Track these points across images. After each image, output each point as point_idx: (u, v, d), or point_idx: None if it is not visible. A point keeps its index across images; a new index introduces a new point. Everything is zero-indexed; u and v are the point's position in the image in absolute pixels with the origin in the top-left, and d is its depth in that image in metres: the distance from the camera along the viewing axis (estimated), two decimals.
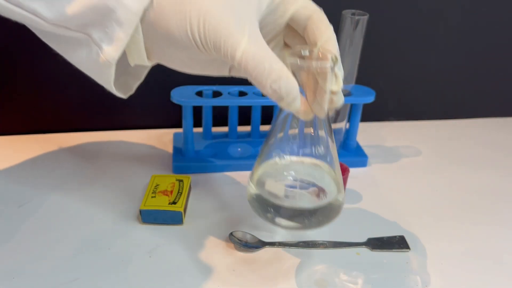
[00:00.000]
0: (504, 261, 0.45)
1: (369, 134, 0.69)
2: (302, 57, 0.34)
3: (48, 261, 0.43)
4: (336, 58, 0.33)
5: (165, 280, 0.41)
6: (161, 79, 0.56)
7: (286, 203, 0.35)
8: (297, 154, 0.37)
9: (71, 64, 0.38)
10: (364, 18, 0.52)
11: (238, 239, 0.46)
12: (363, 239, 0.47)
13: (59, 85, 0.63)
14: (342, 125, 0.60)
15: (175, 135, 0.63)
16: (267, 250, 0.45)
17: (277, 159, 0.37)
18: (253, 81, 0.32)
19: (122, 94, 0.41)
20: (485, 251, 0.47)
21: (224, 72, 0.39)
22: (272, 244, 0.45)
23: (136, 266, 0.43)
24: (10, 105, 0.64)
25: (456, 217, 0.52)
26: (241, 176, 0.57)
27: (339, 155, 0.49)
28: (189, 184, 0.52)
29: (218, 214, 0.50)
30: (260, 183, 0.37)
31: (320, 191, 0.37)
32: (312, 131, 0.36)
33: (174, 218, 0.48)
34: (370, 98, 0.57)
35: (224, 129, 0.66)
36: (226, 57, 0.32)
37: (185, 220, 0.49)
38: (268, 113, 0.63)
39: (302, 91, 0.34)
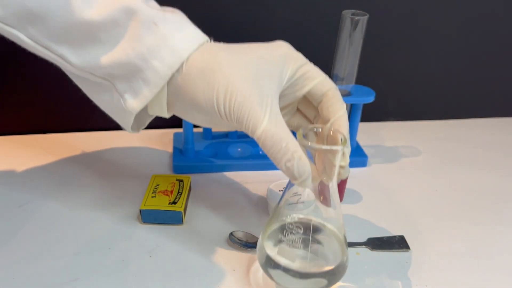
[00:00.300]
0: (504, 261, 0.45)
1: (369, 134, 0.69)
2: (314, 132, 0.37)
3: (48, 261, 0.43)
4: (345, 140, 0.34)
5: (165, 280, 0.41)
6: None
7: (295, 267, 0.36)
8: (307, 215, 0.38)
9: None
10: (364, 18, 0.52)
11: (238, 239, 0.46)
12: (363, 239, 0.47)
13: (59, 85, 0.63)
14: None
15: (175, 135, 0.63)
16: None
17: (287, 221, 0.38)
18: (269, 157, 0.34)
19: (135, 131, 0.42)
20: (485, 251, 0.47)
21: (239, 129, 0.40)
22: None
23: (136, 266, 0.43)
24: (10, 105, 0.64)
25: (456, 217, 0.52)
26: (241, 176, 0.57)
27: None
28: (189, 184, 0.52)
29: (218, 214, 0.50)
30: (271, 245, 0.38)
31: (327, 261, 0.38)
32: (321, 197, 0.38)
33: (174, 218, 0.48)
34: (370, 98, 0.57)
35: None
36: (246, 131, 0.34)
37: (185, 220, 0.49)
38: None
39: (311, 156, 0.36)
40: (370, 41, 0.56)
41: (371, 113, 0.69)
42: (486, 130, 0.73)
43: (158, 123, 0.68)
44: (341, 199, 0.53)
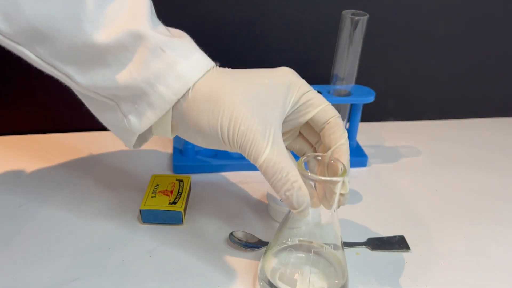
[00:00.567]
0: (504, 261, 0.45)
1: (369, 134, 0.69)
2: (315, 159, 0.38)
3: (48, 261, 0.43)
4: (345, 170, 0.35)
5: (165, 280, 0.41)
6: None
7: None
8: (307, 239, 0.39)
9: None
10: (364, 18, 0.52)
11: (238, 239, 0.46)
12: (363, 239, 0.47)
13: (59, 85, 0.62)
14: None
15: None
16: None
17: (288, 248, 0.39)
18: (270, 185, 0.35)
19: (137, 147, 0.42)
20: (485, 251, 0.47)
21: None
22: None
23: (136, 266, 0.43)
24: (10, 105, 0.64)
25: (456, 217, 0.52)
26: (241, 176, 0.57)
27: None
28: (189, 184, 0.52)
29: (218, 214, 0.50)
30: (272, 270, 0.39)
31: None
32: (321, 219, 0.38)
33: (174, 218, 0.48)
34: (370, 98, 0.57)
35: None
36: (249, 158, 0.35)
37: (185, 220, 0.49)
38: None
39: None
40: (370, 41, 0.56)
41: (371, 113, 0.69)
42: (486, 130, 0.73)
43: None
44: None
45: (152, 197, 0.49)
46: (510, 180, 0.59)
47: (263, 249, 0.45)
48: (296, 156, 0.42)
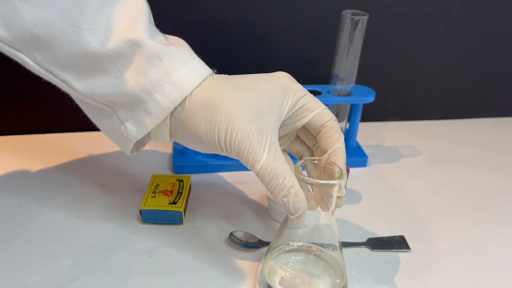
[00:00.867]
0: (504, 261, 0.45)
1: (369, 134, 0.69)
2: (312, 162, 0.39)
3: (48, 261, 0.43)
4: (342, 173, 0.35)
5: (165, 280, 0.41)
6: None
7: None
8: (306, 242, 0.39)
9: None
10: (364, 18, 0.52)
11: (238, 239, 0.46)
12: (363, 239, 0.47)
13: None
14: (342, 125, 0.60)
15: None
16: None
17: (286, 249, 0.40)
18: (267, 190, 0.35)
19: (134, 153, 0.43)
20: (485, 251, 0.47)
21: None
22: None
23: (136, 266, 0.43)
24: (10, 105, 0.64)
25: (456, 217, 0.52)
26: (241, 176, 0.57)
27: None
28: (189, 184, 0.52)
29: (218, 214, 0.50)
30: (271, 274, 0.39)
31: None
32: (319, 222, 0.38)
33: (174, 218, 0.48)
34: (370, 98, 0.57)
35: None
36: (246, 165, 0.35)
37: (185, 220, 0.49)
38: None
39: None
40: (370, 41, 0.56)
41: (371, 113, 0.69)
42: (486, 130, 0.73)
43: None
44: None
45: (152, 197, 0.49)
46: (510, 180, 0.59)
47: (263, 249, 0.45)
48: (294, 158, 0.42)
